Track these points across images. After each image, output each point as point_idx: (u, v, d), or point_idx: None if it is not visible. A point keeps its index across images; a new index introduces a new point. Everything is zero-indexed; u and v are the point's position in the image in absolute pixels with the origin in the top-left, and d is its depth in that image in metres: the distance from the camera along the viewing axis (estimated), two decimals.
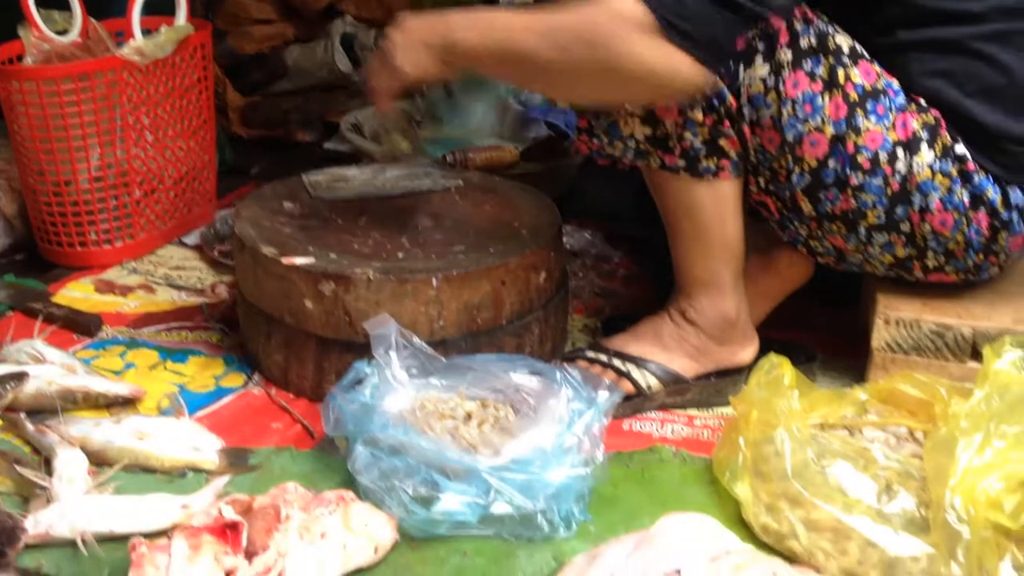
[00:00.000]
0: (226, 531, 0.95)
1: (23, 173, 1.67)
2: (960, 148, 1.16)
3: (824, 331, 1.45)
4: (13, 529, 1.01)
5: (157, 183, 1.74)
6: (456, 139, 1.88)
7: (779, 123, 1.14)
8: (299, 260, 1.27)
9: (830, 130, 1.14)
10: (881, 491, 0.99)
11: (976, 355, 1.21)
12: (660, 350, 1.30)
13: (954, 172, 1.16)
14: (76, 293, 1.61)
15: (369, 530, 1.01)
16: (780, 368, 1.13)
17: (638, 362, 1.29)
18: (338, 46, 2.37)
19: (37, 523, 1.03)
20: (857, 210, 1.18)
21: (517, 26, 1.05)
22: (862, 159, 1.15)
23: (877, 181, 1.16)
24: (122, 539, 0.99)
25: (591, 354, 1.32)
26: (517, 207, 1.45)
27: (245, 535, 0.95)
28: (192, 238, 1.80)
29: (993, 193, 1.17)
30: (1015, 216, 1.18)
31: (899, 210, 1.17)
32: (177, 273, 1.69)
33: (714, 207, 1.21)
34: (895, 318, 1.24)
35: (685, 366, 1.30)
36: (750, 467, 1.07)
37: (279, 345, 1.33)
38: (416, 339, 1.21)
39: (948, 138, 1.16)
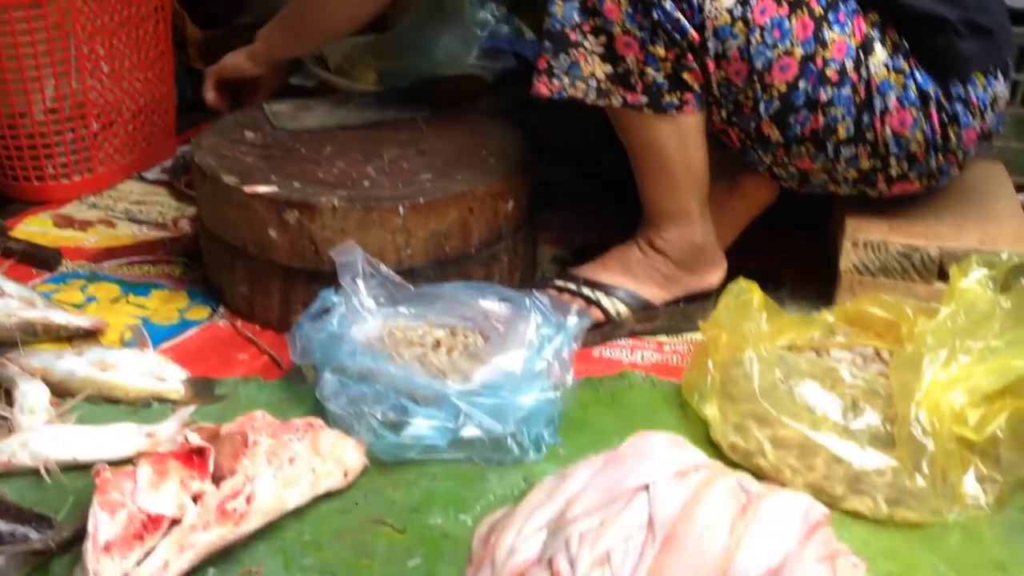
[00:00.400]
0: (192, 457, 0.94)
1: None
2: (905, 45, 1.16)
3: (793, 260, 1.45)
4: None
5: (115, 116, 1.69)
6: (422, 69, 1.85)
7: (747, 53, 1.12)
8: (262, 188, 1.24)
9: (799, 51, 1.13)
10: (847, 408, 1.00)
11: (943, 276, 1.22)
12: (629, 278, 1.29)
13: (905, 67, 1.16)
14: (34, 228, 1.57)
15: (338, 454, 1.00)
16: (749, 292, 1.13)
17: (607, 289, 1.29)
18: None
19: None
20: (826, 127, 1.17)
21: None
22: (831, 72, 1.14)
23: (846, 91, 1.15)
24: (86, 467, 0.98)
25: (560, 283, 1.31)
26: (484, 136, 1.43)
27: (212, 460, 0.94)
28: (153, 173, 1.76)
29: (935, 87, 1.17)
30: (959, 107, 1.18)
31: (865, 118, 1.17)
32: (138, 207, 1.65)
33: (678, 142, 1.19)
34: (863, 240, 1.24)
35: (654, 293, 1.30)
36: (719, 389, 1.08)
37: (244, 276, 1.31)
38: (383, 267, 1.19)
39: (895, 34, 1.16)
